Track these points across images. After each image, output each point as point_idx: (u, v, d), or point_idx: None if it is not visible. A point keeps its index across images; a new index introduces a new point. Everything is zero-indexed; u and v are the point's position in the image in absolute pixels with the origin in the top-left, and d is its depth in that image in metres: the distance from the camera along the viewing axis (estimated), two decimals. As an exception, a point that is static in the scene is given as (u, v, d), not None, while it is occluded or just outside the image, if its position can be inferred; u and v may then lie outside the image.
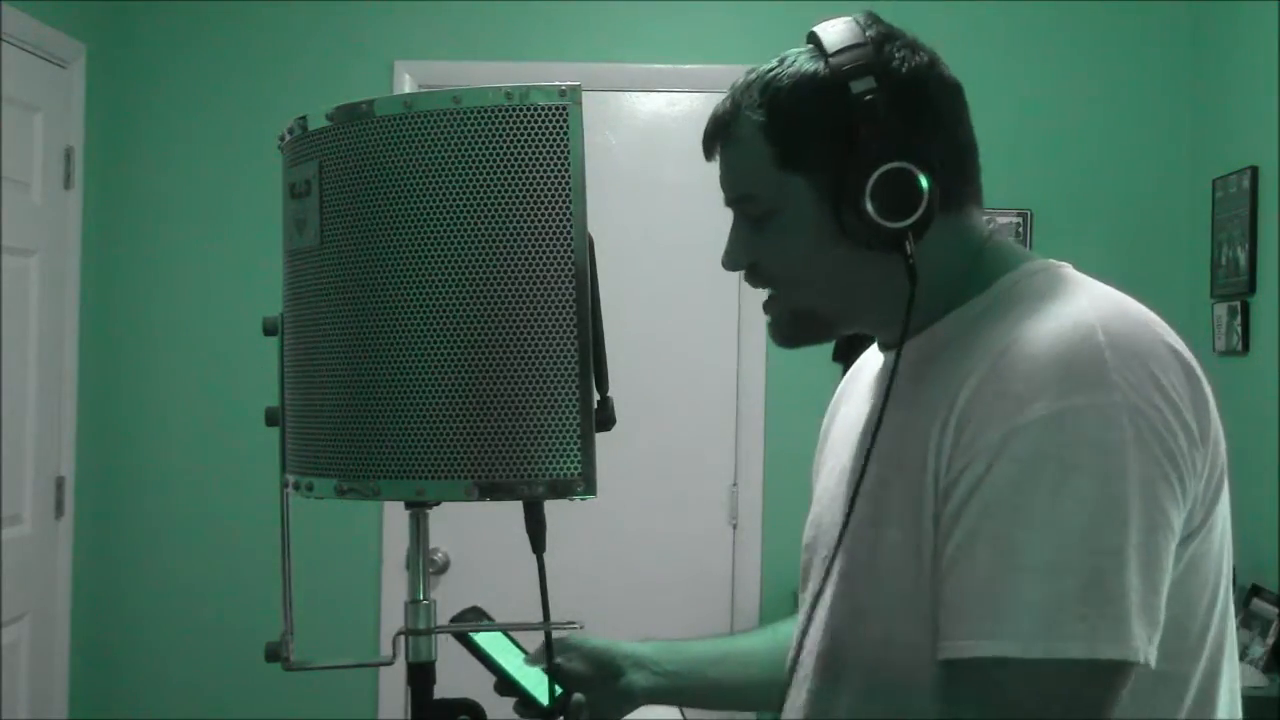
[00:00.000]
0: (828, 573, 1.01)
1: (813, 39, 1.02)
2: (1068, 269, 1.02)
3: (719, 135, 1.05)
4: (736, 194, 1.06)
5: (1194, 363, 0.93)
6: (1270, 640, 2.56)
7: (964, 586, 0.88)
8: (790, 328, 1.08)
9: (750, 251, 1.06)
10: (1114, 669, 0.84)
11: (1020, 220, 3.33)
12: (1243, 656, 2.60)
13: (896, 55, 0.99)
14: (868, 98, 0.96)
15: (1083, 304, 0.93)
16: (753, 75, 1.03)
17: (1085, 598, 0.83)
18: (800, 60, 1.01)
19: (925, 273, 0.98)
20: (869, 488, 0.99)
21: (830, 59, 0.98)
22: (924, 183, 0.96)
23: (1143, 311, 0.95)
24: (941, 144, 0.99)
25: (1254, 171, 2.95)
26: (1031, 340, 0.91)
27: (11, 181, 3.00)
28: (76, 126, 3.29)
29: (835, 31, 1.00)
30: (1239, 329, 2.99)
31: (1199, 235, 3.25)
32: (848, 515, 0.99)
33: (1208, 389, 0.93)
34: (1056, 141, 3.37)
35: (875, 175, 0.96)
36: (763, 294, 1.09)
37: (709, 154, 1.07)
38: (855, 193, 0.96)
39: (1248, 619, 2.67)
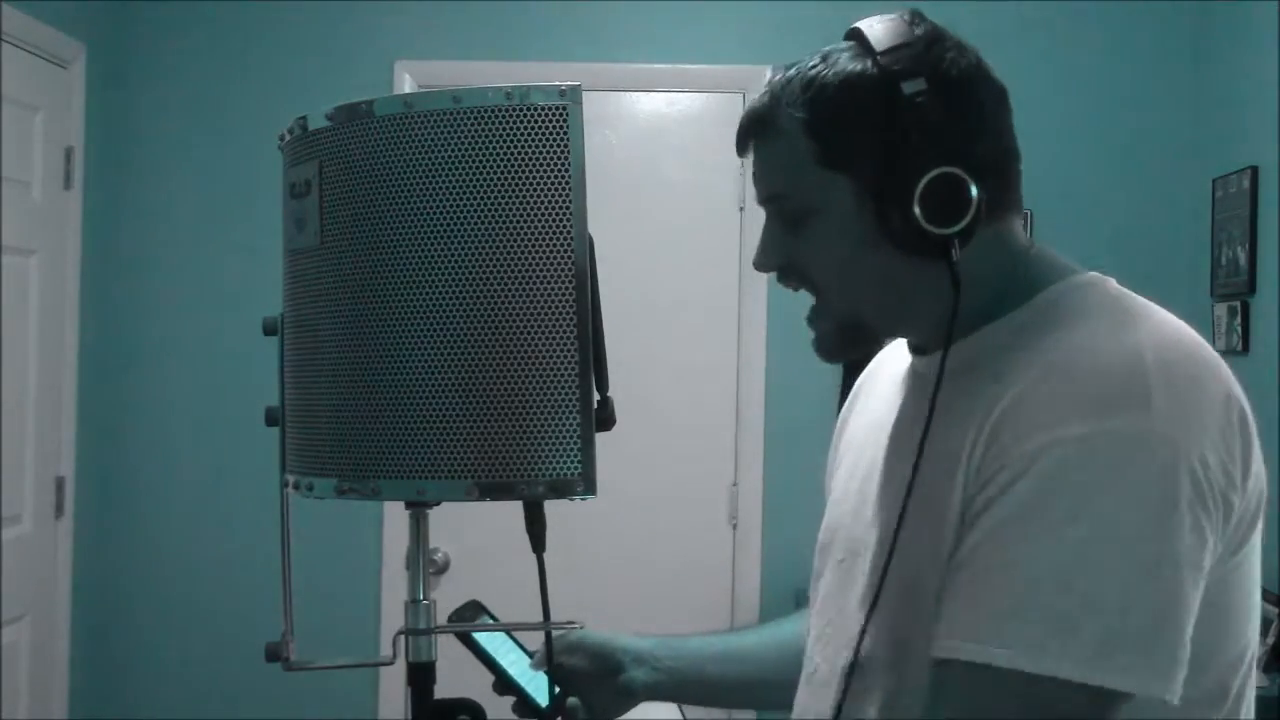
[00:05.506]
0: (881, 577, 0.97)
1: (856, 36, 0.99)
2: (1112, 284, 0.99)
3: (754, 131, 1.02)
4: (772, 192, 1.02)
5: (1243, 402, 0.91)
6: (1270, 640, 2.56)
7: (964, 589, 0.87)
8: (837, 341, 1.04)
9: (784, 252, 1.03)
10: (1099, 694, 0.82)
11: (1020, 220, 3.33)
12: (1243, 656, 2.59)
13: (946, 56, 0.96)
14: (919, 99, 0.93)
15: (1138, 328, 0.91)
16: (793, 71, 1.00)
17: (1082, 619, 0.81)
18: (845, 58, 0.98)
19: (966, 280, 0.95)
20: (898, 494, 0.97)
21: (879, 58, 0.95)
22: (974, 189, 0.93)
23: (1199, 344, 0.92)
24: (988, 148, 0.97)
25: (1254, 171, 2.94)
26: (1078, 358, 0.89)
27: (11, 181, 3.00)
28: (76, 126, 3.29)
29: (882, 29, 0.97)
30: (1239, 329, 2.98)
31: (1199, 235, 3.25)
32: (898, 527, 0.95)
33: (1253, 429, 0.91)
34: (1056, 141, 3.37)
35: (925, 179, 0.93)
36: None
37: (742, 150, 1.04)
38: (903, 196, 0.94)
39: (1248, 619, 2.66)
